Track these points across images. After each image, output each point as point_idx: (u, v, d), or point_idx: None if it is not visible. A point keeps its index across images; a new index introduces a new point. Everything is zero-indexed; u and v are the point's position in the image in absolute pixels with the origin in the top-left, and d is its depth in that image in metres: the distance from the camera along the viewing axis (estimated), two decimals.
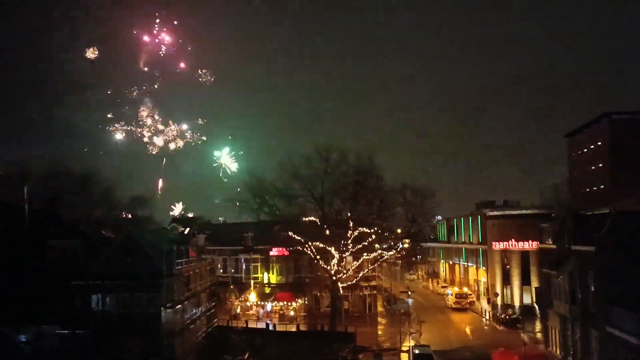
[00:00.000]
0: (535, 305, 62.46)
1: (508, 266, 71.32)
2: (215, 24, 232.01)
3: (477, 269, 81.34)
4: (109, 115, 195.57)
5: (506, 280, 71.37)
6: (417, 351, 47.26)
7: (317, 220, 63.69)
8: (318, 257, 61.95)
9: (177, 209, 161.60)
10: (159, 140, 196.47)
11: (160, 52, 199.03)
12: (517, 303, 69.69)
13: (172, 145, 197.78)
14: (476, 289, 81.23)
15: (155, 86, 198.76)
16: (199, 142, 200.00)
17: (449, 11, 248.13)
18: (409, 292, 60.31)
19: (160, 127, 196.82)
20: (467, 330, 61.84)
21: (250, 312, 69.20)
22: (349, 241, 61.94)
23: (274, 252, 71.65)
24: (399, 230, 70.48)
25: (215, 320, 63.07)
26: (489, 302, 72.32)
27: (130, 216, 72.47)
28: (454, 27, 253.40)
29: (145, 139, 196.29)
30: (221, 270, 75.08)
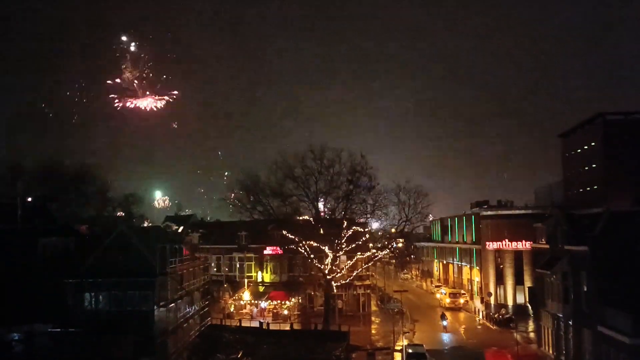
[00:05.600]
0: (528, 305, 62.63)
1: (501, 266, 71.48)
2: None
3: (470, 268, 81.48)
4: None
5: (499, 280, 71.53)
6: (410, 350, 47.26)
7: (311, 219, 63.66)
8: (312, 256, 61.92)
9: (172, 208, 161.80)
10: None
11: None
12: (510, 303, 69.85)
13: None
14: (470, 288, 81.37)
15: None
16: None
17: (445, 14, 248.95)
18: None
19: None
20: (461, 329, 61.91)
21: (244, 310, 69.07)
22: (343, 240, 61.92)
23: (267, 251, 71.58)
24: (392, 230, 70.52)
25: (209, 318, 62.93)
26: (482, 302, 72.45)
27: (123, 214, 72.19)
28: (450, 27, 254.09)
29: None
30: (215, 269, 74.98)
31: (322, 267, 61.83)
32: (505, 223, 71.41)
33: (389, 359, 49.86)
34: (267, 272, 72.24)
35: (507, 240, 70.33)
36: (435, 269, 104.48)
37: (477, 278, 77.93)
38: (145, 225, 75.28)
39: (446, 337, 57.26)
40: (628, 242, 36.34)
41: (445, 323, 59.73)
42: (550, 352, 46.59)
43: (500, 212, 75.07)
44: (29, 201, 58.94)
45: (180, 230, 79.17)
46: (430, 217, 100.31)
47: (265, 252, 71.84)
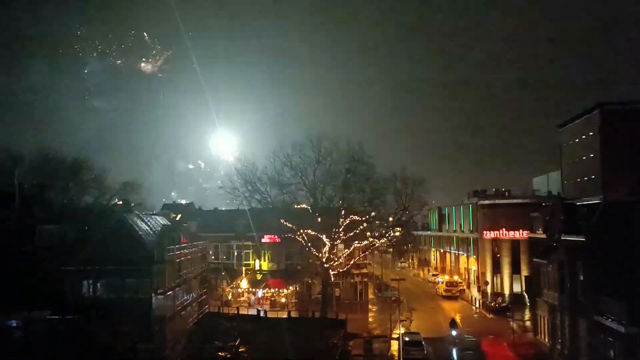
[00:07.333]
0: (525, 294, 62.87)
1: (498, 255, 71.72)
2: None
3: (467, 257, 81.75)
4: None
5: (496, 269, 71.79)
6: (407, 338, 47.52)
7: (309, 207, 63.73)
8: (309, 244, 62.00)
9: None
10: None
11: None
12: (506, 291, 70.17)
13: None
14: (467, 277, 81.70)
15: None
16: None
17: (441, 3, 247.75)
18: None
19: None
20: (457, 318, 62.15)
21: (242, 298, 69.25)
22: (341, 229, 62.02)
23: (265, 239, 71.69)
24: (390, 219, 70.63)
25: (207, 306, 63.16)
26: (479, 291, 72.80)
27: (121, 202, 71.95)
28: (447, 16, 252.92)
29: None
30: (213, 257, 75.02)
31: (319, 256, 61.97)
32: (503, 212, 71.56)
33: (385, 347, 50.15)
34: (264, 260, 72.42)
35: (504, 229, 70.53)
36: (432, 257, 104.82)
37: (474, 267, 78.20)
38: (143, 213, 75.02)
39: (443, 326, 57.46)
40: (624, 232, 36.46)
41: (454, 333, 48.46)
42: (546, 340, 46.89)
43: (497, 202, 75.19)
44: (27, 188, 58.80)
45: (178, 218, 79.14)
46: (428, 206, 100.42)
47: (263, 240, 71.94)
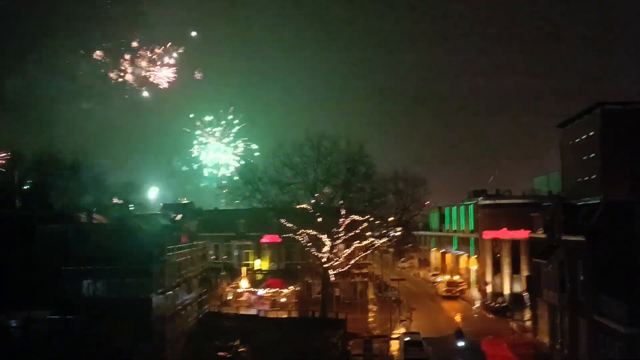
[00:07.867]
0: (525, 294, 62.87)
1: (499, 255, 71.64)
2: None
3: (468, 257, 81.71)
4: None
5: (496, 269, 71.70)
6: (407, 338, 47.50)
7: (309, 207, 63.74)
8: (310, 244, 62.03)
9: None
10: None
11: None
12: (507, 291, 70.09)
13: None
14: (467, 277, 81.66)
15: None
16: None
17: None
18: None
19: None
20: (457, 318, 62.21)
21: (242, 298, 69.21)
22: (341, 229, 62.03)
23: (265, 239, 71.71)
24: (390, 218, 70.65)
25: (207, 306, 63.17)
26: (479, 290, 72.73)
27: (121, 202, 72.07)
28: (445, 11, 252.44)
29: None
30: (213, 257, 75.09)
31: (319, 255, 61.96)
32: (503, 212, 71.38)
33: (385, 347, 50.16)
34: (265, 260, 72.44)
35: (504, 229, 70.42)
36: (432, 257, 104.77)
37: (474, 267, 78.17)
38: (143, 213, 75.21)
39: (443, 326, 57.48)
40: (624, 232, 36.38)
41: (461, 343, 43.82)
42: (546, 340, 46.87)
43: (498, 202, 75.09)
44: (27, 188, 58.99)
45: (178, 218, 79.22)
46: (430, 203, 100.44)
47: (263, 240, 71.98)
